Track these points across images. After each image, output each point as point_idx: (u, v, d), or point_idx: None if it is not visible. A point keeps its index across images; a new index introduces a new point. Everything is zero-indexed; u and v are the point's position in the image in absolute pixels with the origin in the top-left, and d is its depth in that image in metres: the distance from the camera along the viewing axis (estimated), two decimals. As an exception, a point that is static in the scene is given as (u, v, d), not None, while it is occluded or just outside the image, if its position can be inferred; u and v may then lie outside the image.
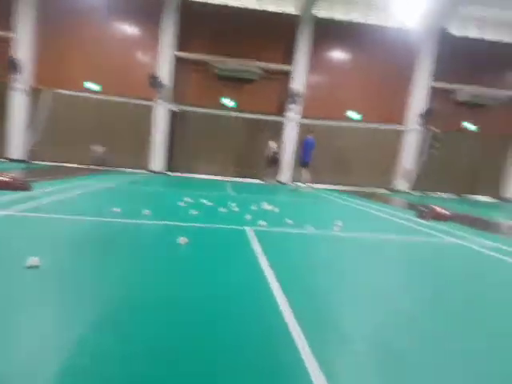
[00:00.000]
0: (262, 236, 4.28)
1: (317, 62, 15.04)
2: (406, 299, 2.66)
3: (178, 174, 14.70)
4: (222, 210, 5.82)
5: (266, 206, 6.50)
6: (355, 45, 15.20)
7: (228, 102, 14.87)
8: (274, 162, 14.11)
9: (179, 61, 14.54)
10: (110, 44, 14.33)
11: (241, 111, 14.69)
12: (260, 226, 4.82)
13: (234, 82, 14.75)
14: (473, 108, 15.93)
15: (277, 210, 6.38)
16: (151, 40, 14.31)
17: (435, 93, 15.50)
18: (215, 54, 14.44)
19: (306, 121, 14.63)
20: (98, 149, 14.23)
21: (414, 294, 2.81)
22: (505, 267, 3.88)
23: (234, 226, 4.74)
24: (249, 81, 14.71)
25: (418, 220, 6.83)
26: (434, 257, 4.17)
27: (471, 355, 1.90)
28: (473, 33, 15.78)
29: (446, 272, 3.54)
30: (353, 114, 15.39)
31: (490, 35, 15.83)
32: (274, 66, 14.72)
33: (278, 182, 14.28)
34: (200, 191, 8.89)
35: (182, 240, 3.65)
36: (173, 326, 1.92)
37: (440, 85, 15.43)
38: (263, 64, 14.50)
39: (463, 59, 15.54)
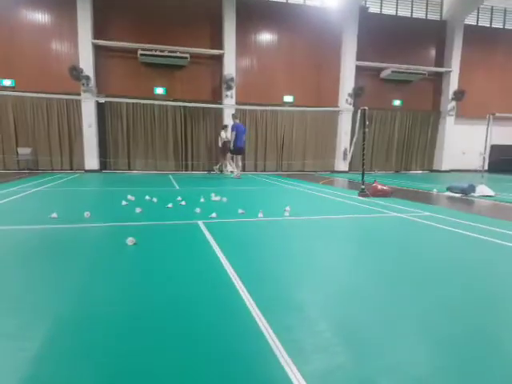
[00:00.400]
0: (215, 228, 4.19)
1: (247, 45, 14.88)
2: (357, 272, 2.75)
3: (116, 172, 13.97)
4: (168, 205, 5.60)
5: (215, 197, 6.39)
6: (282, 26, 15.21)
7: (160, 90, 14.29)
8: (227, 151, 13.85)
9: (102, 49, 13.61)
10: (22, 34, 13.01)
11: (176, 100, 14.20)
12: (211, 218, 4.72)
13: (165, 70, 14.16)
14: (398, 85, 16.87)
15: (225, 200, 6.31)
16: (68, 28, 13.14)
17: (363, 72, 16.15)
18: (140, 41, 13.67)
19: (243, 107, 14.56)
20: (25, 151, 13.05)
21: (363, 268, 2.91)
22: (440, 232, 4.19)
23: (184, 221, 4.58)
24: (179, 67, 14.22)
25: (361, 198, 7.13)
26: (378, 231, 4.36)
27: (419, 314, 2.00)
28: (390, 10, 16.66)
29: (391, 244, 3.73)
30: (288, 98, 15.58)
31: (405, 12, 16.85)
32: (204, 51, 14.32)
33: (232, 171, 14.06)
34: (142, 187, 8.52)
35: (130, 241, 3.46)
36: (142, 333, 1.79)
37: (365, 64, 16.06)
38: (192, 49, 14.01)
39: (384, 37, 16.31)
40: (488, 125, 8.43)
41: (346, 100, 15.77)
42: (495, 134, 15.50)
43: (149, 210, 5.28)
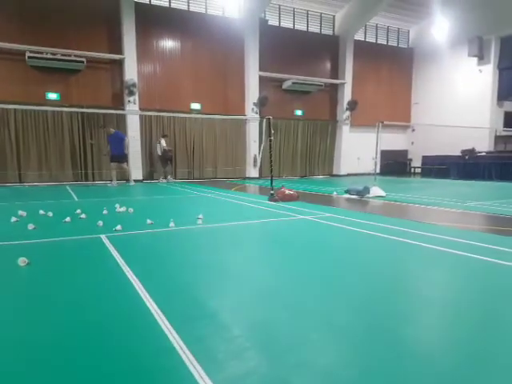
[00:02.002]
0: (120, 241, 3.94)
1: (149, 50, 14.37)
2: (268, 275, 2.82)
3: (4, 185, 12.34)
4: (66, 219, 5.11)
5: (120, 209, 6.03)
6: (186, 33, 15.01)
7: (53, 96, 13.08)
8: (167, 159, 13.68)
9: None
10: None
11: (72, 106, 13.13)
12: (116, 231, 4.42)
13: (58, 74, 12.96)
14: (299, 95, 17.84)
15: (132, 210, 5.99)
16: None
17: (266, 82, 16.72)
18: (28, 42, 12.31)
19: (147, 113, 14.07)
20: None
21: (274, 269, 3.00)
22: (339, 231, 4.52)
23: (84, 236, 4.23)
24: (75, 71, 13.20)
25: (270, 203, 7.35)
26: (286, 234, 4.54)
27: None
28: (288, 23, 17.56)
29: (299, 245, 3.90)
30: (195, 106, 15.47)
31: (301, 26, 17.90)
32: (102, 56, 13.51)
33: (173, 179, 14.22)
34: (36, 201, 7.67)
35: (22, 261, 3.08)
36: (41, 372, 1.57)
37: (268, 74, 16.61)
38: (88, 53, 13.06)
39: (284, 49, 17.09)
40: (377, 132, 9.35)
41: (252, 109, 16.19)
42: (384, 141, 17.31)
43: (43, 225, 4.77)
